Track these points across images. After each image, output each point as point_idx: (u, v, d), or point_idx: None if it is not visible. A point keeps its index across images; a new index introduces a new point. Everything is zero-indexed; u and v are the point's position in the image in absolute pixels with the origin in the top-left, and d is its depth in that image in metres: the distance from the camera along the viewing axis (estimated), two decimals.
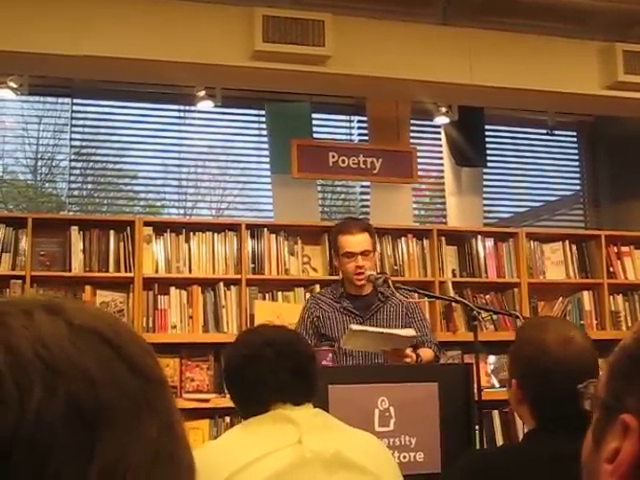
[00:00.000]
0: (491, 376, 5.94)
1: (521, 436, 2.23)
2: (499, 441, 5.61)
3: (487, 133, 7.09)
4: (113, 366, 0.67)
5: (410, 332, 4.06)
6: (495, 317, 5.95)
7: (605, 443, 0.84)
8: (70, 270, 5.40)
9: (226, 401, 3.97)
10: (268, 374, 2.17)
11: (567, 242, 6.38)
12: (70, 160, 6.73)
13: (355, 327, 3.98)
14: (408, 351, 3.98)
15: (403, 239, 6.02)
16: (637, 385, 0.81)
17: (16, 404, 0.61)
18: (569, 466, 1.15)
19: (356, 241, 4.22)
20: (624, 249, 6.45)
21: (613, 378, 0.86)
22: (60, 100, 6.80)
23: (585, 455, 0.89)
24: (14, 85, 5.84)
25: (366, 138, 6.88)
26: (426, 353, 4.15)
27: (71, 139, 6.71)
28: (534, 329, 2.22)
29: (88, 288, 5.41)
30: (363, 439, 2.25)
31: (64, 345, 0.65)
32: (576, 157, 7.85)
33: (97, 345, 0.67)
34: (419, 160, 6.65)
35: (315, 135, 6.68)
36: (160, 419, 0.68)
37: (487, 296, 6.15)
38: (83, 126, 6.80)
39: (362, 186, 7.08)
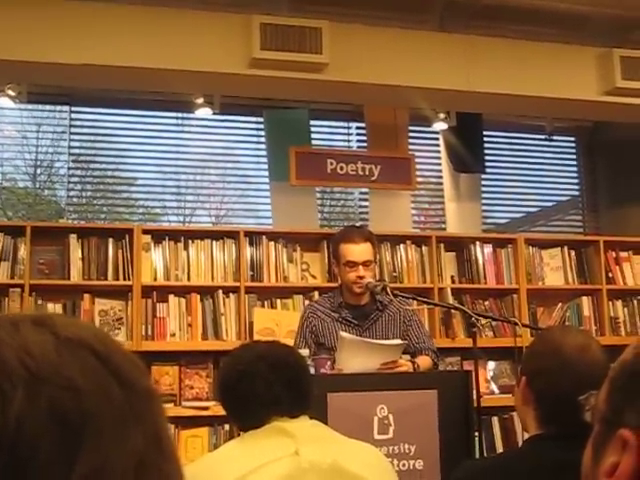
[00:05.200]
0: (490, 382, 5.94)
1: (521, 442, 2.22)
2: (499, 447, 5.61)
3: (485, 139, 7.10)
4: (99, 376, 0.67)
5: (396, 341, 4.05)
6: (494, 323, 5.95)
7: (604, 457, 0.84)
8: (69, 278, 5.40)
9: None
10: (262, 388, 2.18)
11: (566, 248, 6.38)
12: (69, 167, 6.75)
13: (344, 334, 3.97)
14: (401, 361, 3.97)
15: (402, 245, 6.02)
16: (636, 400, 0.81)
17: None
18: (568, 474, 1.15)
19: (359, 251, 4.17)
20: (623, 254, 6.44)
21: (613, 392, 0.86)
22: (58, 108, 6.81)
23: (585, 467, 0.90)
24: (12, 93, 5.85)
25: (365, 145, 6.88)
26: (424, 361, 4.14)
27: (70, 147, 6.71)
28: (553, 331, 2.29)
29: (87, 296, 5.41)
30: (361, 449, 2.25)
31: (49, 354, 0.66)
32: (574, 162, 7.86)
33: (83, 356, 0.68)
34: (417, 166, 6.66)
35: (313, 142, 6.69)
36: (146, 430, 0.68)
37: (486, 302, 6.15)
38: (82, 134, 6.81)
39: (361, 193, 7.08)
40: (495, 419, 5.71)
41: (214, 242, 5.69)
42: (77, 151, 6.79)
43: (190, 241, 5.66)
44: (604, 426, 0.86)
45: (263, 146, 6.71)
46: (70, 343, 0.68)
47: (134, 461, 0.66)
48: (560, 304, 6.26)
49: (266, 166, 6.62)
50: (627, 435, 0.80)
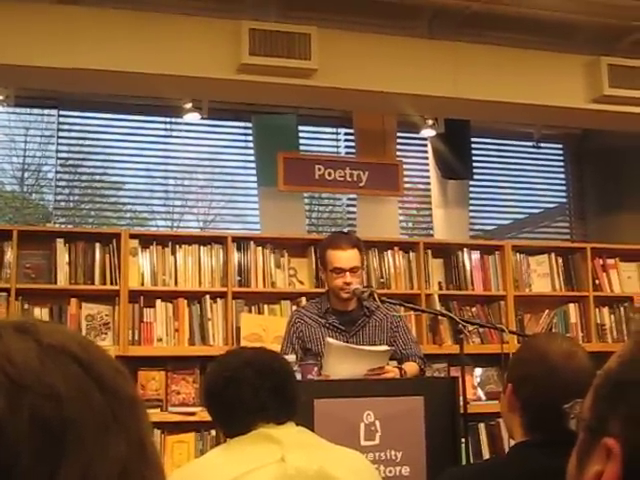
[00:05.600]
0: (477, 389, 5.95)
1: (507, 449, 2.22)
2: (485, 454, 5.61)
3: (473, 145, 7.11)
4: (81, 383, 0.67)
5: (383, 347, 4.05)
6: (481, 330, 5.95)
7: (589, 465, 0.84)
8: (55, 283, 5.38)
9: None
10: (249, 395, 2.18)
11: (553, 255, 6.39)
12: (56, 171, 6.72)
13: (331, 340, 3.96)
14: (388, 367, 3.97)
15: (389, 252, 6.02)
16: (620, 409, 0.81)
17: None
18: None
19: (346, 257, 4.16)
20: (610, 262, 6.47)
21: (597, 401, 0.86)
22: (46, 112, 6.79)
23: (569, 476, 0.90)
24: (0, 97, 5.83)
25: (353, 151, 6.89)
26: (411, 367, 4.14)
27: (57, 150, 6.69)
28: (540, 339, 2.31)
29: (73, 301, 5.39)
30: (347, 456, 2.25)
31: (31, 362, 0.66)
32: (562, 169, 7.88)
33: (66, 363, 0.68)
34: (405, 172, 6.67)
35: (302, 148, 6.69)
36: (129, 437, 0.68)
37: (473, 309, 6.15)
38: (69, 137, 6.79)
39: (349, 198, 7.09)
40: (482, 425, 5.71)
41: (202, 247, 5.68)
42: (65, 155, 6.77)
43: (177, 246, 5.65)
44: (588, 434, 0.86)
45: (251, 151, 6.71)
46: (53, 350, 0.68)
47: (118, 468, 0.66)
48: (547, 311, 6.27)
49: (254, 171, 6.62)
50: (611, 444, 0.80)
